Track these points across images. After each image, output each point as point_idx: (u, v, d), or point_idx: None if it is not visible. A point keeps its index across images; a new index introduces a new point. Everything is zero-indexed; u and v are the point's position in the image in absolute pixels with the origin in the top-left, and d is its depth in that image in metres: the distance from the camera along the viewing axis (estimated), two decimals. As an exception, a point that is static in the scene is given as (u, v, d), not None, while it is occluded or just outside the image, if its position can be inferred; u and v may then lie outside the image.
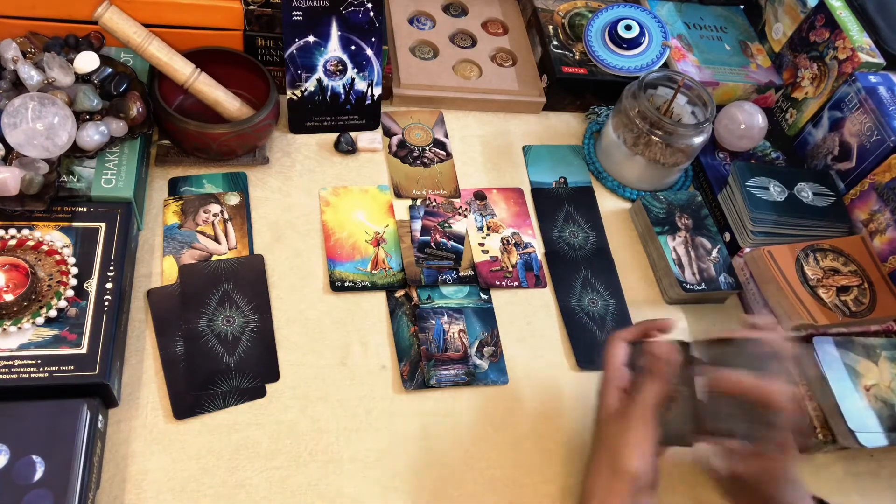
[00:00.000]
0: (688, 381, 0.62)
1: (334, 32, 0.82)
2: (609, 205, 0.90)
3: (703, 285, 0.81)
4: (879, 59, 0.90)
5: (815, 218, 0.85)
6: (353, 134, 0.87)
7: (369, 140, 0.87)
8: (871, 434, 0.70)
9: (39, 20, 0.75)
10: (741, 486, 0.62)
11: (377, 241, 0.80)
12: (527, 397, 0.73)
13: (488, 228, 0.84)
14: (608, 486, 0.59)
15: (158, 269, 0.73)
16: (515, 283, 0.80)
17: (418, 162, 0.88)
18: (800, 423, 0.60)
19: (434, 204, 0.84)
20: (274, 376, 0.69)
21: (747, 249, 0.84)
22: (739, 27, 1.06)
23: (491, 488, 0.67)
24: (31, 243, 0.64)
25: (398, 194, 0.84)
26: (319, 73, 0.83)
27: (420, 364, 0.72)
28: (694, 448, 0.72)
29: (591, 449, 0.64)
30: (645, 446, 0.58)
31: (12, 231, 0.64)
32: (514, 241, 0.83)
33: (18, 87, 0.69)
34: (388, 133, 0.89)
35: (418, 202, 0.84)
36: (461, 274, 0.79)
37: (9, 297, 0.60)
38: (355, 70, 0.84)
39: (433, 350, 0.72)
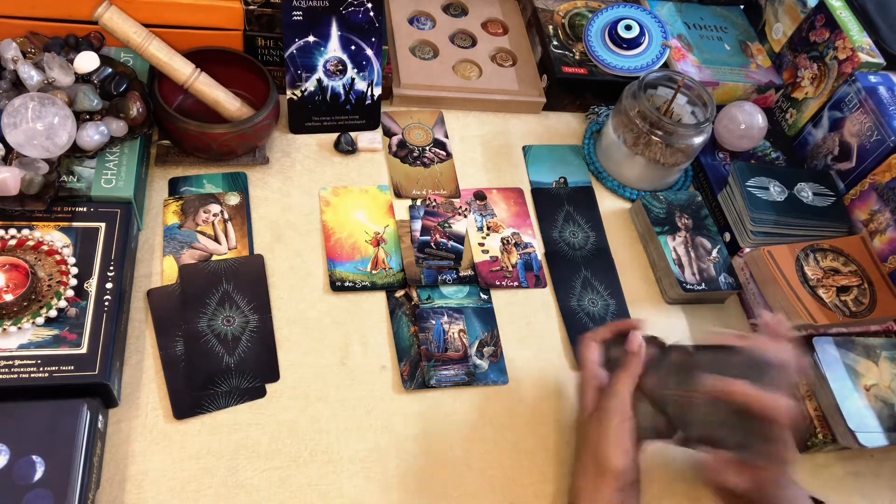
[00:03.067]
0: (658, 375, 0.63)
1: (334, 32, 0.82)
2: (609, 205, 0.90)
3: (703, 285, 0.81)
4: (879, 59, 0.90)
5: (815, 218, 0.85)
6: (353, 134, 0.87)
7: (369, 140, 0.87)
8: (871, 434, 0.70)
9: (39, 20, 0.75)
10: (736, 494, 0.61)
11: (377, 241, 0.80)
12: (527, 397, 0.73)
13: (488, 228, 0.84)
14: (594, 486, 0.59)
15: (158, 269, 0.73)
16: (515, 283, 0.80)
17: (418, 162, 0.88)
18: (799, 433, 0.60)
19: (434, 204, 0.84)
20: (274, 376, 0.69)
21: (747, 249, 0.84)
22: (739, 27, 1.06)
23: (491, 488, 0.67)
24: (31, 243, 0.64)
25: (398, 194, 0.84)
26: (319, 73, 0.83)
27: (420, 364, 0.72)
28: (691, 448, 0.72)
29: (575, 450, 0.65)
30: (625, 442, 0.59)
31: (12, 231, 0.65)
32: (514, 241, 0.83)
33: (18, 87, 0.69)
34: (388, 133, 0.89)
35: (418, 202, 0.84)
36: (461, 274, 0.79)
37: (9, 297, 0.60)
38: (355, 70, 0.84)
39: (433, 350, 0.72)
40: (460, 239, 0.82)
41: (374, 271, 0.77)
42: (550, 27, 1.00)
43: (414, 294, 0.76)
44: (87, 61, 0.71)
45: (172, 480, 0.62)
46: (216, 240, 0.75)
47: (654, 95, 0.90)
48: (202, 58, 0.79)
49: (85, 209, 0.68)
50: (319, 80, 0.83)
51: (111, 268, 0.66)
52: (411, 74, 0.92)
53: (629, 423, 0.60)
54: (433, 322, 0.74)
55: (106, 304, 0.63)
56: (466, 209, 0.84)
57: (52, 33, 0.74)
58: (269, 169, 0.83)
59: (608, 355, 0.67)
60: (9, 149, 0.66)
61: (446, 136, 0.91)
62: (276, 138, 0.85)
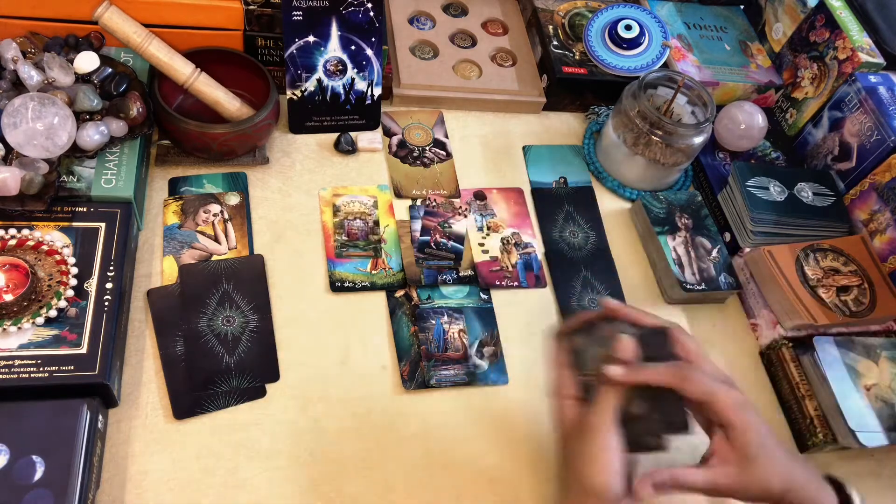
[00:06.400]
0: (583, 339, 0.59)
1: (334, 32, 0.82)
2: (609, 205, 0.90)
3: (703, 285, 0.81)
4: (879, 59, 0.90)
5: (815, 218, 0.85)
6: (353, 134, 0.87)
7: (369, 140, 0.87)
8: (871, 434, 0.70)
9: (39, 20, 0.75)
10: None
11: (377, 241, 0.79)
12: (527, 397, 0.73)
13: (488, 228, 0.84)
14: None
15: (158, 269, 0.73)
16: (515, 283, 0.80)
17: (418, 162, 0.88)
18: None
19: (434, 204, 0.84)
20: (274, 376, 0.69)
21: (747, 249, 0.84)
22: (739, 27, 1.06)
23: (491, 488, 0.67)
24: (31, 243, 0.64)
25: (398, 194, 0.84)
26: (319, 73, 0.83)
27: (420, 364, 0.72)
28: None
29: (557, 466, 0.60)
30: (608, 457, 0.54)
31: (12, 231, 0.64)
32: (514, 241, 0.83)
33: (18, 87, 0.69)
34: (388, 133, 0.89)
35: (418, 202, 0.84)
36: (461, 274, 0.79)
37: (9, 297, 0.60)
38: (355, 70, 0.84)
39: (433, 350, 0.72)
40: (460, 239, 0.82)
41: (374, 271, 0.77)
42: (550, 27, 1.00)
43: (414, 294, 0.76)
44: (87, 61, 0.71)
45: (172, 480, 0.62)
46: (216, 240, 0.75)
47: (654, 95, 0.90)
48: (202, 58, 0.79)
49: (85, 209, 0.68)
50: (319, 80, 0.83)
51: (111, 268, 0.66)
52: (411, 74, 0.92)
53: (612, 435, 0.54)
54: (433, 322, 0.74)
55: (106, 304, 0.63)
56: (466, 209, 0.84)
57: (52, 33, 0.74)
58: (269, 169, 0.83)
59: (575, 345, 0.61)
60: (9, 149, 0.66)
61: (446, 136, 0.91)
62: (276, 138, 0.85)
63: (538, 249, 0.84)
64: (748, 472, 0.54)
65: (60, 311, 0.62)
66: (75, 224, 0.67)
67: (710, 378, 0.56)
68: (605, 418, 0.55)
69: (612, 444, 0.54)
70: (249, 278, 0.73)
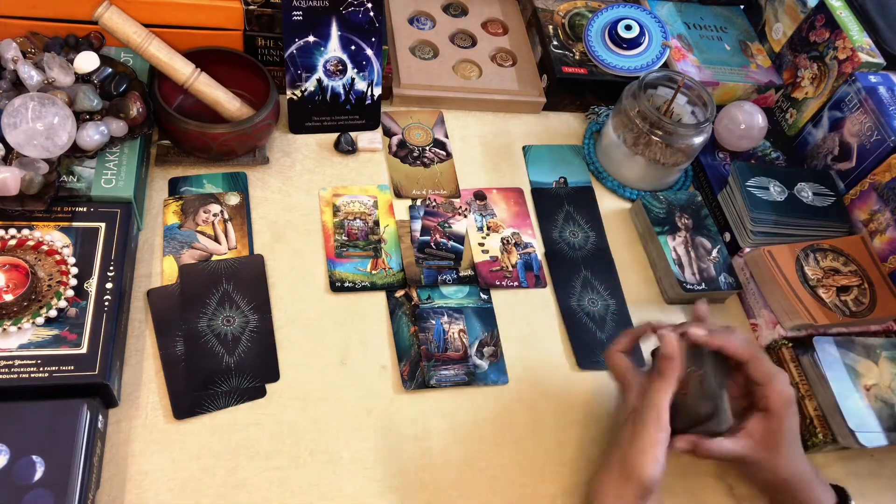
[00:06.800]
0: (701, 362, 0.62)
1: (334, 32, 0.82)
2: (609, 205, 0.90)
3: (703, 285, 0.81)
4: (879, 59, 0.90)
5: (815, 218, 0.85)
6: (353, 134, 0.87)
7: (369, 140, 0.87)
8: (871, 434, 0.70)
9: (39, 20, 0.75)
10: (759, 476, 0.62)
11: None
12: (527, 397, 0.73)
13: (488, 228, 0.84)
14: (618, 490, 0.59)
15: (158, 269, 0.73)
16: (515, 283, 0.80)
17: (418, 162, 0.88)
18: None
19: (434, 204, 0.84)
20: (274, 376, 0.69)
21: (747, 249, 0.84)
22: (739, 27, 1.06)
23: (491, 488, 0.67)
24: (31, 243, 0.64)
25: (398, 194, 0.84)
26: (319, 73, 0.83)
27: (420, 364, 0.72)
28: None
29: (605, 447, 0.64)
30: (657, 450, 0.58)
31: (12, 231, 0.65)
32: (514, 241, 0.83)
33: (18, 87, 0.69)
34: (388, 133, 0.89)
35: (418, 202, 0.84)
36: (461, 274, 0.79)
37: (9, 297, 0.60)
38: (355, 70, 0.84)
39: (433, 350, 0.72)
40: (460, 239, 0.82)
41: (374, 271, 0.77)
42: (550, 27, 1.00)
43: (414, 294, 0.76)
44: (87, 61, 0.71)
45: (172, 480, 0.62)
46: (216, 240, 0.75)
47: (654, 95, 0.90)
48: (202, 58, 0.79)
49: (85, 209, 0.68)
50: (319, 80, 0.83)
51: (111, 268, 0.66)
52: (411, 74, 0.92)
53: (665, 433, 0.58)
54: (433, 322, 0.74)
55: (106, 304, 0.63)
56: (466, 209, 0.84)
57: (52, 33, 0.74)
58: (269, 169, 0.83)
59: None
60: (9, 149, 0.66)
61: (446, 136, 0.91)
62: (276, 138, 0.85)
63: (538, 249, 0.84)
64: (771, 456, 0.61)
65: (60, 311, 0.62)
66: (75, 224, 0.67)
67: (772, 364, 0.62)
68: (657, 412, 0.59)
69: (662, 437, 0.58)
70: (249, 278, 0.73)
